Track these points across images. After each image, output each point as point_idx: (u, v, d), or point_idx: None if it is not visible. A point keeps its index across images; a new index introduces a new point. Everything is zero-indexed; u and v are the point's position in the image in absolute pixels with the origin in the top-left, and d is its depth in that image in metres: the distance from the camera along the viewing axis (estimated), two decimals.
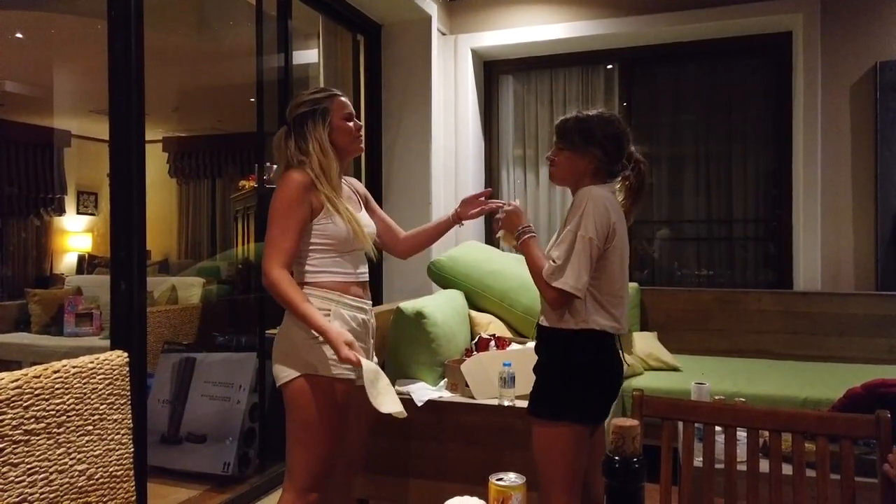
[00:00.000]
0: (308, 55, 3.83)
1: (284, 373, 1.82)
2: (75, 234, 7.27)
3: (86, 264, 7.07)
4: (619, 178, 1.89)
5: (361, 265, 1.95)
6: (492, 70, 4.55)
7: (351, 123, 1.91)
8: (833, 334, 3.50)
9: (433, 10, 3.93)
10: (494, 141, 4.58)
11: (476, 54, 4.36)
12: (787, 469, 1.44)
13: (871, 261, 3.60)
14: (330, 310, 1.83)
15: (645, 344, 3.54)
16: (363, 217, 1.97)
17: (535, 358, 2.67)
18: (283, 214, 1.79)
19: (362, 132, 1.97)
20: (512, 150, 4.60)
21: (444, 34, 4.21)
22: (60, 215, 6.99)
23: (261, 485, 2.95)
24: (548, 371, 1.84)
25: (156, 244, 7.48)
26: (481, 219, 4.51)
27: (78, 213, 7.29)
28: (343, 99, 1.92)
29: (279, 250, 1.77)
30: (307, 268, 1.86)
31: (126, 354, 1.33)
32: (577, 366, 1.78)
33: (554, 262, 1.74)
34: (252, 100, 3.19)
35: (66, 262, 7.21)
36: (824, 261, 3.67)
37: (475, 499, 0.97)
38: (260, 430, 3.08)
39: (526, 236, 1.86)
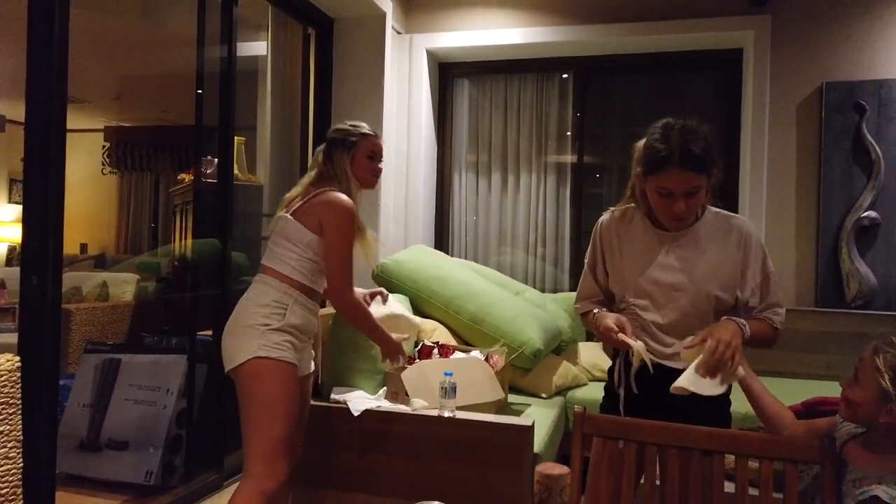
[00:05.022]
0: (256, 47, 3.69)
1: (236, 358, 1.90)
2: (6, 225, 6.89)
3: (16, 256, 6.71)
4: None
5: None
6: (447, 72, 4.48)
7: (373, 162, 2.16)
8: (773, 350, 3.51)
9: (388, 6, 3.83)
10: (448, 145, 4.51)
11: (431, 55, 4.28)
12: (729, 487, 1.40)
13: (811, 278, 3.66)
14: (287, 305, 1.97)
15: (590, 354, 3.51)
16: None
17: (481, 368, 2.60)
18: (351, 241, 2.03)
19: (379, 175, 2.20)
20: (465, 155, 4.53)
21: (399, 33, 4.12)
22: None
23: (186, 495, 2.78)
24: (723, 410, 1.80)
25: (93, 237, 7.16)
26: (431, 223, 4.43)
27: (10, 201, 6.92)
28: (375, 141, 2.18)
29: (351, 274, 2.05)
30: (295, 266, 2.01)
31: (17, 359, 1.19)
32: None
33: (783, 307, 1.76)
34: (198, 91, 3.04)
35: None
36: None
37: None
38: (187, 437, 2.92)
39: (747, 331, 1.61)
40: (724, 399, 1.76)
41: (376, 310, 2.40)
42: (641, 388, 1.69)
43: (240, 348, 1.91)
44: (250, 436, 1.89)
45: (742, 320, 1.59)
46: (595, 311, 1.79)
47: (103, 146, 7.26)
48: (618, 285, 1.78)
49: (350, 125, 2.18)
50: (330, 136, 2.18)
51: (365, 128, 2.19)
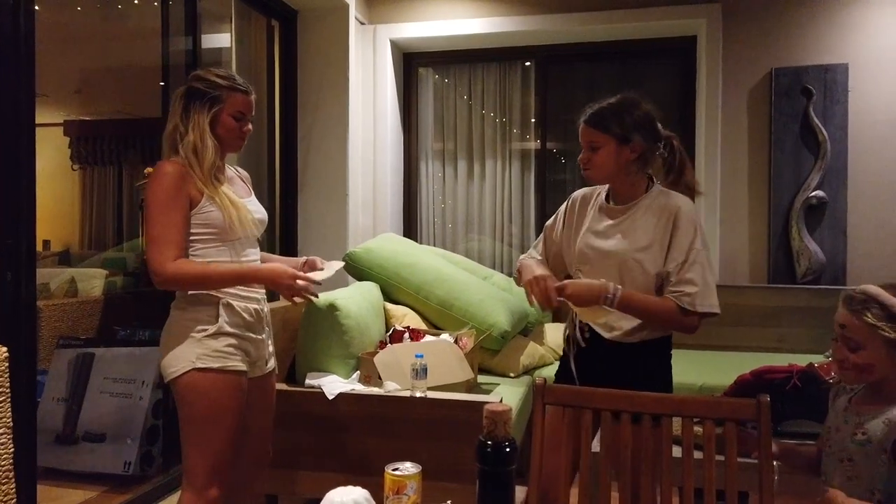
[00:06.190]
0: (220, 39, 3.70)
1: (173, 367, 1.77)
2: None
3: None
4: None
5: (250, 252, 1.90)
6: (411, 62, 4.53)
7: (240, 122, 1.85)
8: (729, 325, 3.69)
9: None
10: (413, 133, 4.57)
11: (395, 45, 4.33)
12: (677, 451, 1.51)
13: (763, 256, 3.84)
14: (218, 301, 1.79)
15: (556, 335, 3.63)
16: (251, 203, 1.93)
17: (450, 350, 2.69)
18: (164, 209, 1.72)
19: (246, 136, 1.90)
20: (431, 144, 4.61)
21: (362, 23, 4.16)
22: None
23: (164, 484, 2.84)
24: (653, 382, 1.82)
25: (56, 234, 7.05)
26: (399, 211, 4.50)
27: None
28: (243, 97, 1.85)
29: (168, 245, 1.71)
30: (199, 255, 1.80)
31: (5, 349, 1.25)
32: (668, 367, 1.90)
33: (695, 286, 1.72)
34: (162, 84, 3.05)
35: None
36: (722, 256, 3.88)
37: (357, 488, 0.97)
38: (164, 427, 2.97)
39: (618, 296, 1.71)
40: (665, 371, 1.92)
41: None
42: (583, 359, 1.87)
43: (176, 358, 1.75)
44: (191, 449, 1.77)
45: (615, 286, 1.72)
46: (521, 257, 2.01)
47: (69, 141, 7.15)
48: (568, 251, 1.95)
49: (216, 74, 1.83)
50: (190, 84, 1.83)
51: (235, 79, 1.84)
